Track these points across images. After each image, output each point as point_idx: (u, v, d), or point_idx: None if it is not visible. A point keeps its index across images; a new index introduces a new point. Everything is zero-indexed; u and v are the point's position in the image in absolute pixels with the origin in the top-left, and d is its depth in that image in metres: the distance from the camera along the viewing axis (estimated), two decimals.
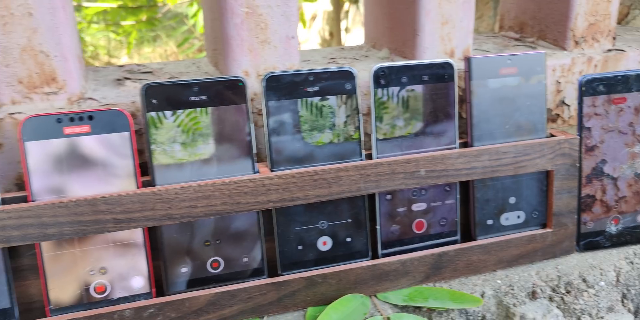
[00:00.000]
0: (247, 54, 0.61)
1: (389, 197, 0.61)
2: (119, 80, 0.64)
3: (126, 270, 0.54)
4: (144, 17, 1.75)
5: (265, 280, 0.57)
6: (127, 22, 1.79)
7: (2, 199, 0.51)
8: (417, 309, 0.60)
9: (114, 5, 1.73)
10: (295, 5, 0.63)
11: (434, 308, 0.59)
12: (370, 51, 0.78)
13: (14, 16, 0.52)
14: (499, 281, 0.62)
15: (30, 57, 0.54)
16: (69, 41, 0.55)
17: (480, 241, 0.63)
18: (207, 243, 0.56)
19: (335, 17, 2.45)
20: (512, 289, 0.61)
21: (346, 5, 2.52)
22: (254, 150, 0.56)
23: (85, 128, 0.52)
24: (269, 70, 0.63)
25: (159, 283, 0.55)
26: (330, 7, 2.50)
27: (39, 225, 0.49)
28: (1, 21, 0.52)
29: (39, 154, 0.50)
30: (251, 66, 0.62)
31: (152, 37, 2.84)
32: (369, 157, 0.61)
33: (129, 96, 0.58)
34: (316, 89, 0.58)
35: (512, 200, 0.66)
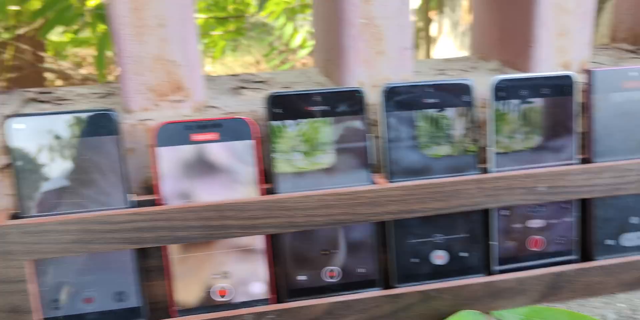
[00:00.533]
0: (362, 65, 0.62)
1: (505, 212, 0.60)
2: (235, 89, 0.65)
3: (247, 276, 0.55)
4: (232, 27, 1.80)
5: (381, 292, 0.56)
6: (216, 33, 1.84)
7: (138, 201, 0.52)
8: None
9: (205, 16, 1.78)
10: (409, 16, 0.62)
11: None
12: (478, 63, 0.77)
13: (148, 27, 0.55)
14: (621, 304, 0.59)
15: (160, 66, 0.56)
16: (195, 51, 0.57)
17: (601, 262, 0.61)
18: (325, 252, 0.56)
19: (424, 28, 2.43)
20: (636, 313, 0.58)
21: (431, 15, 2.51)
22: (371, 161, 0.56)
23: (213, 135, 0.53)
24: (383, 81, 0.62)
25: (277, 289, 0.56)
26: (414, 17, 2.50)
27: (170, 228, 0.51)
28: (136, 31, 0.54)
29: (169, 160, 0.52)
30: (366, 77, 0.62)
31: (234, 46, 2.92)
32: (484, 171, 0.59)
33: (248, 105, 0.59)
34: (434, 100, 0.57)
35: (634, 220, 0.63)
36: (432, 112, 0.57)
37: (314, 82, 0.68)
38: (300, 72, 0.74)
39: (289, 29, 2.01)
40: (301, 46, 2.04)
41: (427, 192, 0.56)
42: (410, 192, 0.55)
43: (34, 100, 0.63)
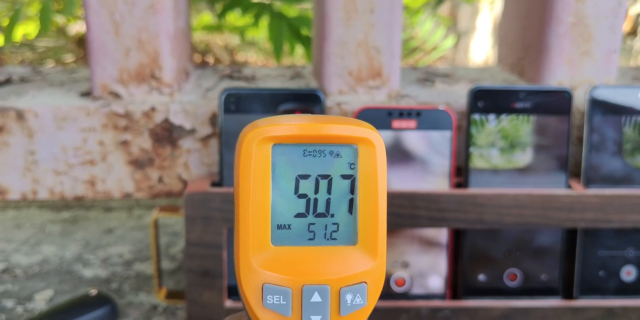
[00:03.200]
0: (565, 65, 0.59)
1: None
2: (421, 80, 0.65)
3: (426, 268, 0.54)
4: None
5: (563, 302, 0.54)
6: None
7: None
8: None
9: None
10: (622, 18, 0.59)
11: None
12: None
13: (357, 12, 0.55)
14: None
15: (363, 51, 0.56)
16: (397, 39, 0.57)
17: None
18: (508, 254, 0.54)
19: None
20: None
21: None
22: (569, 165, 0.54)
23: (412, 123, 0.52)
24: (585, 83, 0.59)
25: (454, 286, 0.55)
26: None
27: None
28: (345, 16, 0.55)
29: None
30: (566, 78, 0.59)
31: None
32: None
33: (441, 96, 0.58)
34: None
35: None
36: None
37: (499, 79, 0.66)
38: (481, 69, 0.73)
39: (427, 25, 1.96)
40: (435, 47, 2.00)
41: (628, 203, 0.52)
42: (610, 201, 0.52)
43: (229, 76, 0.65)
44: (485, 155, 0.53)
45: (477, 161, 0.53)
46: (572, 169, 0.57)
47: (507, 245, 0.54)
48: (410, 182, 0.53)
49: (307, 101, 0.52)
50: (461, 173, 0.55)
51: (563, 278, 0.55)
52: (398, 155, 0.53)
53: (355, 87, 0.57)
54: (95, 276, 0.64)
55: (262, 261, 0.30)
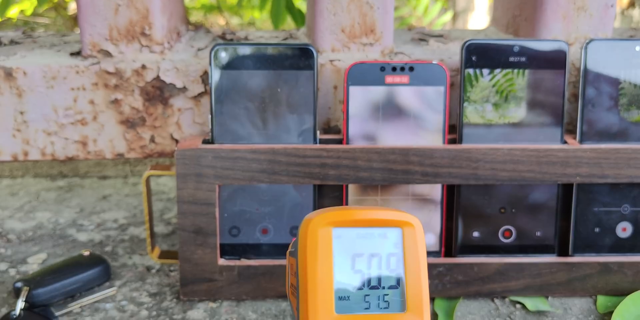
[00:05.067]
0: (560, 21, 0.58)
1: None
2: (416, 40, 0.64)
3: None
4: None
5: (557, 259, 0.54)
6: None
7: (319, 139, 0.53)
8: None
9: None
10: None
11: None
12: None
13: None
14: None
15: (356, 7, 0.55)
16: None
17: None
18: (503, 210, 0.54)
19: None
20: None
21: None
22: (565, 120, 0.53)
23: (405, 79, 0.52)
24: (580, 39, 0.59)
25: (448, 243, 0.54)
26: None
27: (354, 167, 0.51)
28: None
29: (359, 100, 0.52)
30: (562, 34, 0.58)
31: None
32: None
33: (435, 54, 0.58)
34: None
35: None
36: (638, 72, 0.53)
37: (494, 38, 0.65)
38: (476, 30, 0.72)
39: (424, 2, 1.94)
40: (431, 23, 1.97)
41: (624, 158, 0.52)
42: (606, 155, 0.52)
43: (221, 37, 0.64)
44: (480, 111, 0.53)
45: (471, 116, 0.53)
46: (567, 127, 0.56)
47: (501, 202, 0.54)
48: (403, 137, 0.52)
49: (300, 56, 0.51)
50: (455, 130, 0.54)
51: (558, 235, 0.55)
52: (391, 111, 0.52)
53: (349, 44, 0.56)
54: (89, 240, 0.64)
55: None
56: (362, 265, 0.37)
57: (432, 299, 0.54)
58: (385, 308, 0.37)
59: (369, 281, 0.37)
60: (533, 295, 0.54)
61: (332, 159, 0.50)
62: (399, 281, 0.37)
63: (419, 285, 0.37)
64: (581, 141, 0.53)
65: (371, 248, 0.37)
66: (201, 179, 0.50)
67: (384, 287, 0.37)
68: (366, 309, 0.36)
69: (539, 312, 0.52)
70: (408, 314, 0.36)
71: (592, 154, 0.52)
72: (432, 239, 0.54)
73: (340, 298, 0.36)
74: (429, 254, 0.54)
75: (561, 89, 0.53)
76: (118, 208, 0.71)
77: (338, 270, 0.36)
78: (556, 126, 0.53)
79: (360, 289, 0.37)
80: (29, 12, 1.49)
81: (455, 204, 0.54)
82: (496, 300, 0.54)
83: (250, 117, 0.52)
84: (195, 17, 1.83)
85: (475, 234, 0.54)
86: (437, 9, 1.91)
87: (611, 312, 0.52)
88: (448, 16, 1.93)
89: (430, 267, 0.52)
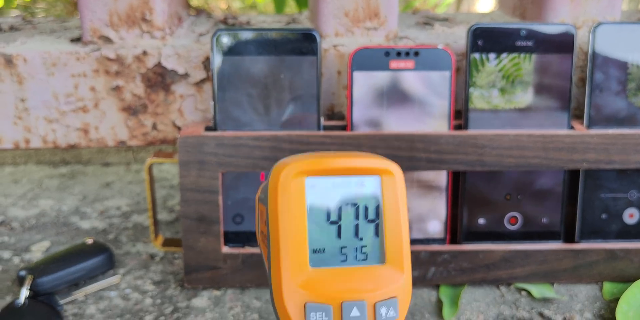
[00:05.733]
0: (568, 4, 0.57)
1: None
2: (421, 24, 0.63)
3: (425, 212, 0.53)
4: None
5: (563, 245, 0.53)
6: None
7: (323, 126, 0.52)
8: None
9: None
10: None
11: None
12: None
13: None
14: None
15: None
16: None
17: None
18: (508, 197, 0.53)
19: None
20: None
21: None
22: (572, 105, 0.52)
23: (410, 64, 0.51)
24: (588, 22, 0.58)
25: (454, 230, 0.54)
26: None
27: None
28: None
29: (363, 85, 0.51)
30: (570, 17, 0.57)
31: None
32: None
33: (440, 38, 0.57)
34: None
35: None
36: None
37: (501, 22, 0.64)
38: (482, 14, 0.71)
39: None
40: (436, 5, 1.95)
41: (631, 144, 0.51)
42: (613, 141, 0.51)
43: (223, 22, 0.63)
44: (486, 96, 0.52)
45: (477, 102, 0.52)
46: (575, 112, 0.56)
47: (507, 188, 0.53)
48: (408, 124, 0.52)
49: (303, 41, 0.50)
50: (461, 116, 0.53)
51: (564, 221, 0.54)
52: (396, 96, 0.51)
53: (352, 28, 0.55)
54: (93, 228, 0.63)
55: (302, 282, 0.33)
56: (337, 216, 0.34)
57: (436, 286, 0.53)
58: (363, 260, 0.35)
59: (346, 232, 0.34)
60: (539, 282, 0.54)
61: (336, 145, 0.50)
62: (377, 232, 0.35)
63: (399, 236, 0.34)
64: (588, 126, 0.53)
65: (348, 198, 0.34)
66: (204, 166, 0.50)
67: (361, 238, 0.35)
68: (343, 261, 0.34)
69: (545, 299, 0.52)
70: (387, 266, 0.34)
71: (599, 140, 0.51)
72: (437, 226, 0.53)
73: (314, 251, 0.34)
74: (435, 241, 0.53)
75: (568, 73, 0.52)
76: (121, 195, 0.71)
77: (312, 222, 0.34)
78: (563, 111, 0.52)
79: (336, 241, 0.34)
80: None
81: (460, 191, 0.53)
82: (501, 288, 0.54)
83: (253, 103, 0.51)
84: (197, 1, 1.82)
85: (481, 220, 0.53)
86: None
87: (617, 299, 0.51)
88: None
89: (435, 254, 0.52)
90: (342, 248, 0.34)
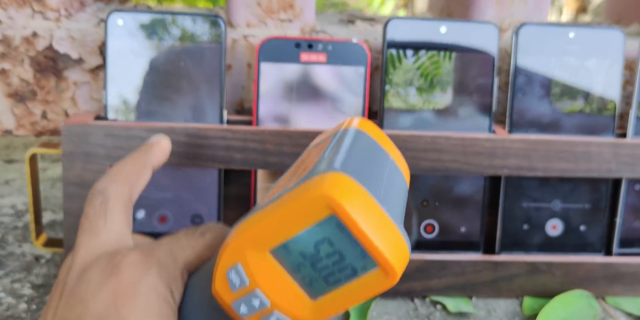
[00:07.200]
0: (494, 6, 0.55)
1: (638, 186, 0.52)
2: (344, 21, 0.60)
3: None
4: None
5: (482, 257, 0.50)
6: None
7: (228, 120, 0.48)
8: None
9: None
10: None
11: None
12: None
13: None
14: None
15: None
16: None
17: None
18: (425, 203, 0.50)
19: None
20: None
21: None
22: (494, 108, 0.50)
23: (322, 57, 0.48)
24: (514, 24, 0.55)
25: None
26: None
27: (262, 152, 0.46)
28: None
29: (271, 78, 0.47)
30: (496, 18, 0.55)
31: None
32: (622, 135, 0.52)
33: (359, 35, 0.54)
34: (576, 48, 0.50)
35: None
36: (572, 60, 0.50)
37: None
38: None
39: None
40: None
41: (554, 150, 0.49)
42: (535, 147, 0.48)
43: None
44: (402, 95, 0.49)
45: (393, 100, 0.49)
46: (499, 118, 0.53)
47: (424, 194, 0.50)
48: (319, 121, 0.48)
49: (206, 28, 0.46)
50: (376, 116, 0.50)
51: (484, 231, 0.51)
52: (307, 91, 0.48)
53: (265, 19, 0.52)
54: None
55: None
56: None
57: None
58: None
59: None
60: (455, 295, 0.50)
61: (239, 141, 0.46)
62: None
63: None
64: (510, 131, 0.50)
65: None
66: (90, 158, 0.45)
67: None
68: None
69: (461, 314, 0.48)
70: None
71: (521, 145, 0.48)
72: None
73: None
74: None
75: (490, 74, 0.49)
76: (19, 193, 0.65)
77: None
78: (484, 114, 0.50)
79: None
80: None
81: None
82: (416, 300, 0.50)
83: (149, 92, 0.47)
84: None
85: None
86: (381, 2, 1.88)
87: (537, 315, 0.48)
88: (389, 6, 1.90)
89: None
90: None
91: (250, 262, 0.28)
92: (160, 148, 0.38)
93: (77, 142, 0.45)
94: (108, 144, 0.45)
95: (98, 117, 0.47)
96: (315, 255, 0.27)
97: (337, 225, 0.26)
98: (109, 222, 0.33)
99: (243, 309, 0.29)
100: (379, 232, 0.26)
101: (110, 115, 0.46)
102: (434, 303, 0.50)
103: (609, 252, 0.52)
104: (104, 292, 0.29)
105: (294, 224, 0.27)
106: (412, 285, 0.49)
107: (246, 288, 0.28)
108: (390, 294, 0.49)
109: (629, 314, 0.50)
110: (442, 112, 0.49)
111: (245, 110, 0.51)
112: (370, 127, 0.32)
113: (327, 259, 0.27)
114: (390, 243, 0.26)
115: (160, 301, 0.30)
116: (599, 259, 0.51)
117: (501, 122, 0.52)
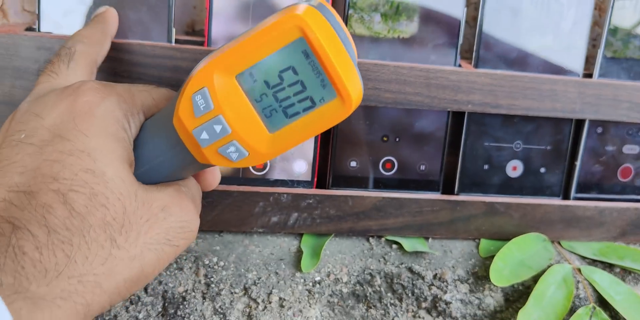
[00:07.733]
0: None
1: (599, 129, 0.51)
2: None
3: (290, 151, 0.46)
4: None
5: (441, 196, 0.48)
6: None
7: (176, 40, 0.44)
8: (607, 267, 0.49)
9: None
10: None
11: (631, 269, 0.48)
12: None
13: None
14: None
15: None
16: None
17: None
18: (385, 139, 0.47)
19: None
20: None
21: None
22: (461, 41, 0.47)
23: None
24: None
25: (322, 173, 0.48)
26: None
27: None
28: None
29: None
30: None
31: None
32: (587, 76, 0.50)
33: None
34: None
35: None
36: None
37: None
38: None
39: None
40: None
41: (520, 87, 0.47)
42: (500, 82, 0.46)
43: None
44: (367, 20, 0.46)
45: (356, 26, 0.46)
46: (464, 55, 0.51)
47: (384, 129, 0.47)
48: None
49: None
50: None
51: (444, 171, 0.49)
52: (264, 11, 0.44)
53: None
54: None
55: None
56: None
57: (299, 235, 0.47)
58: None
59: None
60: (412, 236, 0.48)
61: (187, 61, 0.42)
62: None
63: None
64: (476, 66, 0.48)
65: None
66: (21, 74, 0.40)
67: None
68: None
69: (416, 254, 0.47)
70: None
71: (486, 80, 0.46)
72: (303, 167, 0.47)
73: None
74: (300, 183, 0.47)
75: (460, 5, 0.47)
76: None
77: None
78: (451, 47, 0.47)
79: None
80: None
81: (331, 129, 0.47)
82: (371, 240, 0.48)
83: (89, 4, 0.42)
84: None
85: (353, 163, 0.47)
86: None
87: (493, 256, 0.47)
88: None
89: (298, 198, 0.45)
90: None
91: (217, 86, 0.29)
92: (113, 16, 0.40)
93: (4, 55, 0.40)
94: (41, 58, 0.40)
95: (29, 29, 0.42)
96: (278, 84, 0.29)
97: (303, 51, 0.28)
98: (72, 69, 0.33)
99: (204, 135, 0.29)
100: (340, 62, 0.28)
101: (44, 27, 0.42)
102: (390, 242, 0.48)
103: (566, 197, 0.52)
104: (62, 108, 0.29)
105: (263, 47, 0.28)
106: (367, 224, 0.47)
107: (210, 112, 0.29)
108: (345, 232, 0.47)
109: (583, 258, 0.49)
110: (407, 41, 0.46)
111: (196, 32, 0.47)
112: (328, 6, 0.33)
113: (289, 89, 0.29)
114: (348, 75, 0.29)
115: (118, 127, 0.30)
116: (556, 202, 0.50)
117: (467, 59, 0.50)
